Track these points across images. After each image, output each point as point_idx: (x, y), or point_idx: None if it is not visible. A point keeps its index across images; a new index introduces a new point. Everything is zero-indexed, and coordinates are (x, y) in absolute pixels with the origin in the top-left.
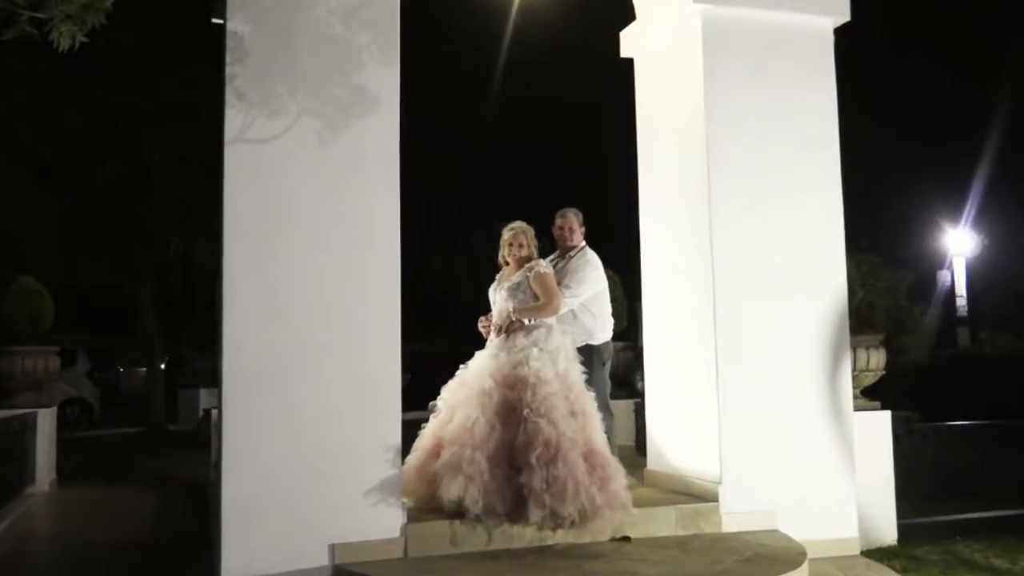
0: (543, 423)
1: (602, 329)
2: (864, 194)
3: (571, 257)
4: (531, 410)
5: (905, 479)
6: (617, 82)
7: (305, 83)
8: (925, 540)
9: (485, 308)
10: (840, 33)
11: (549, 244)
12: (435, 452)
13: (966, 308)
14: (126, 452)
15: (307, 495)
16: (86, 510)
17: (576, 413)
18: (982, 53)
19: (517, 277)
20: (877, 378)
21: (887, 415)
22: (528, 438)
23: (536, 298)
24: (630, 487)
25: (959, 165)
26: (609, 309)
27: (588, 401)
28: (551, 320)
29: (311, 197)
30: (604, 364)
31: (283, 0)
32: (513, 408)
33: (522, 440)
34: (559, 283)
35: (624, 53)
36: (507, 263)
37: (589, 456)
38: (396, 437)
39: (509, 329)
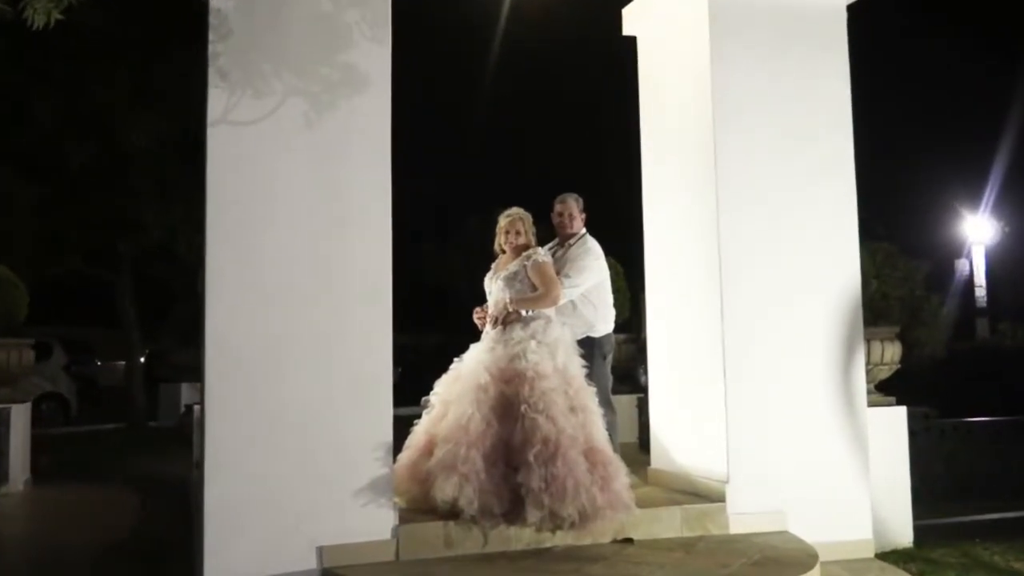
0: (541, 419)
1: (603, 320)
2: (879, 180)
3: (571, 245)
4: (529, 406)
5: (921, 478)
6: (620, 62)
7: (292, 62)
8: (942, 542)
9: (481, 299)
10: (854, 11)
11: (548, 231)
12: (428, 450)
13: (985, 298)
14: (104, 450)
15: (294, 495)
16: (62, 511)
17: (576, 409)
18: (1002, 30)
19: (514, 266)
20: (892, 372)
21: (902, 411)
22: (526, 435)
23: (534, 288)
24: (633, 486)
25: (978, 148)
26: (611, 300)
27: (589, 396)
28: (550, 311)
29: (298, 181)
30: (605, 357)
31: None
32: (510, 404)
33: (519, 437)
34: (558, 272)
35: (627, 31)
36: (504, 251)
37: (590, 454)
38: (387, 434)
39: (506, 321)
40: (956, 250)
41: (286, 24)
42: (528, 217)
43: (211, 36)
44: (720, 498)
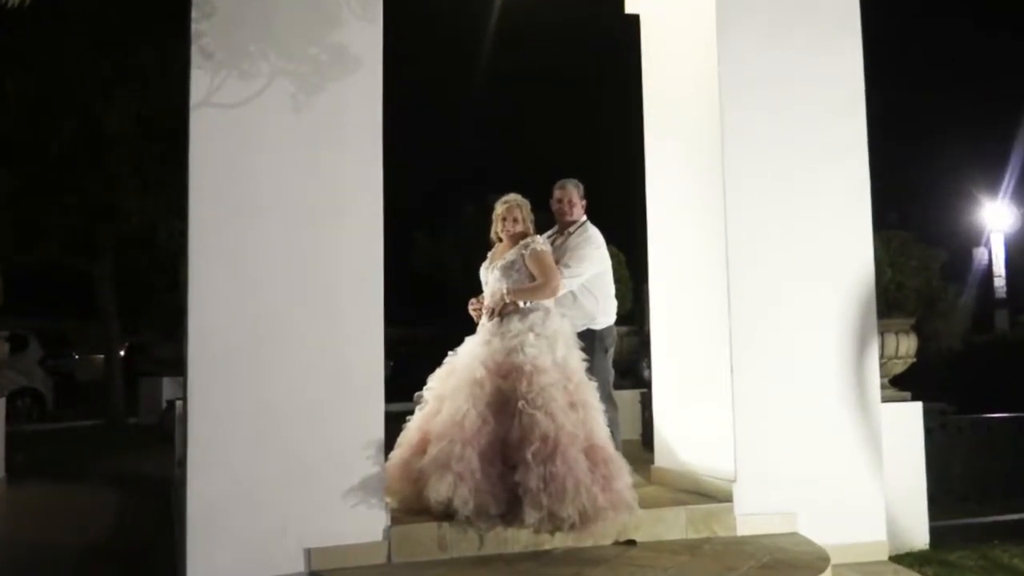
0: (540, 416)
1: (604, 312)
2: (893, 165)
3: (571, 233)
4: (527, 401)
5: (938, 477)
6: (622, 42)
7: (279, 41)
8: (959, 544)
9: (476, 289)
10: None
11: (546, 219)
12: (421, 448)
13: (1005, 289)
14: (82, 447)
15: (281, 495)
16: (38, 511)
17: (576, 405)
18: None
19: (511, 255)
20: (907, 366)
21: (918, 406)
22: (523, 432)
23: (532, 278)
24: (636, 486)
25: (998, 132)
26: (612, 290)
27: (589, 391)
28: (549, 302)
29: (285, 166)
30: (607, 351)
31: None
32: (507, 399)
33: (517, 434)
34: (557, 261)
35: (629, 8)
36: (500, 240)
37: (591, 452)
38: (379, 431)
39: (502, 312)
40: (974, 238)
41: (273, 2)
42: (526, 204)
43: (194, 14)
44: (727, 498)
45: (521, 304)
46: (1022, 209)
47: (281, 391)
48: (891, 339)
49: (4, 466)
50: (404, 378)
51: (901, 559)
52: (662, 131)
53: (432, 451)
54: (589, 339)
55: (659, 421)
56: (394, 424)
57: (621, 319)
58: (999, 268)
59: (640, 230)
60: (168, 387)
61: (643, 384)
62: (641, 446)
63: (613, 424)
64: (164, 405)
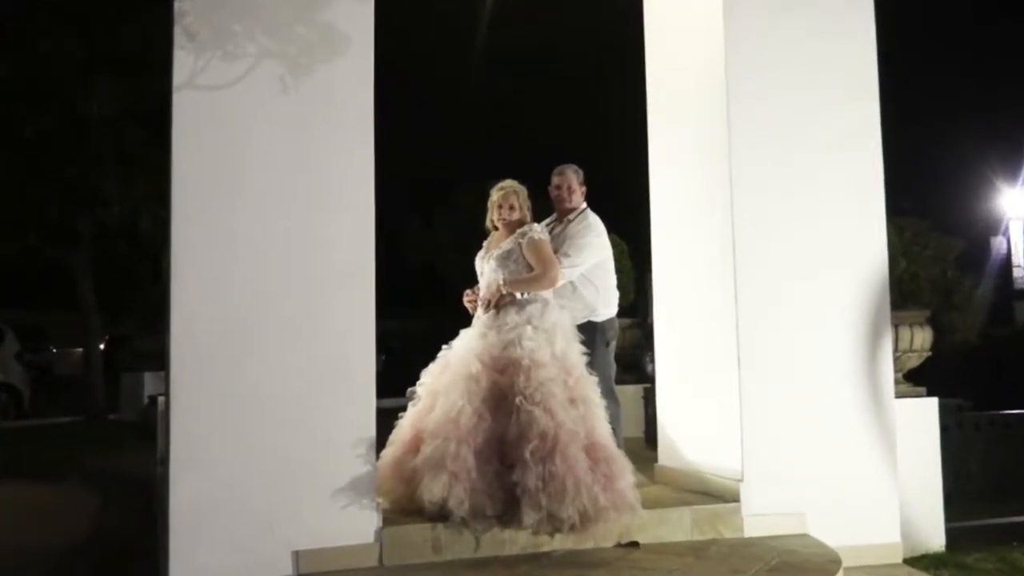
0: (538, 412)
1: (605, 304)
2: (907, 149)
3: (570, 221)
4: (525, 397)
5: (954, 476)
6: (624, 22)
7: (265, 21)
8: (977, 546)
9: (472, 280)
10: None
11: (545, 206)
12: (414, 446)
13: None
14: (60, 445)
15: (267, 495)
16: (15, 511)
17: (576, 400)
18: None
19: (508, 244)
20: (922, 360)
21: (934, 402)
22: (521, 429)
23: (530, 268)
24: (638, 485)
25: (1018, 115)
26: (614, 281)
27: (590, 386)
28: (547, 294)
29: (272, 152)
30: (608, 344)
31: None
32: (504, 395)
33: (514, 432)
34: (556, 251)
35: None
36: (496, 228)
37: (591, 450)
38: (370, 428)
39: (499, 304)
40: (993, 226)
41: None
42: (523, 190)
43: None
44: (734, 498)
45: (518, 295)
46: None
47: (268, 387)
48: (905, 332)
49: None
50: (396, 373)
51: (916, 561)
52: (666, 116)
53: (426, 449)
54: (590, 332)
55: (663, 417)
56: (386, 421)
57: (623, 311)
58: (1018, 258)
59: (643, 218)
60: (150, 382)
61: (646, 379)
62: (644, 444)
63: (615, 421)
64: (146, 401)
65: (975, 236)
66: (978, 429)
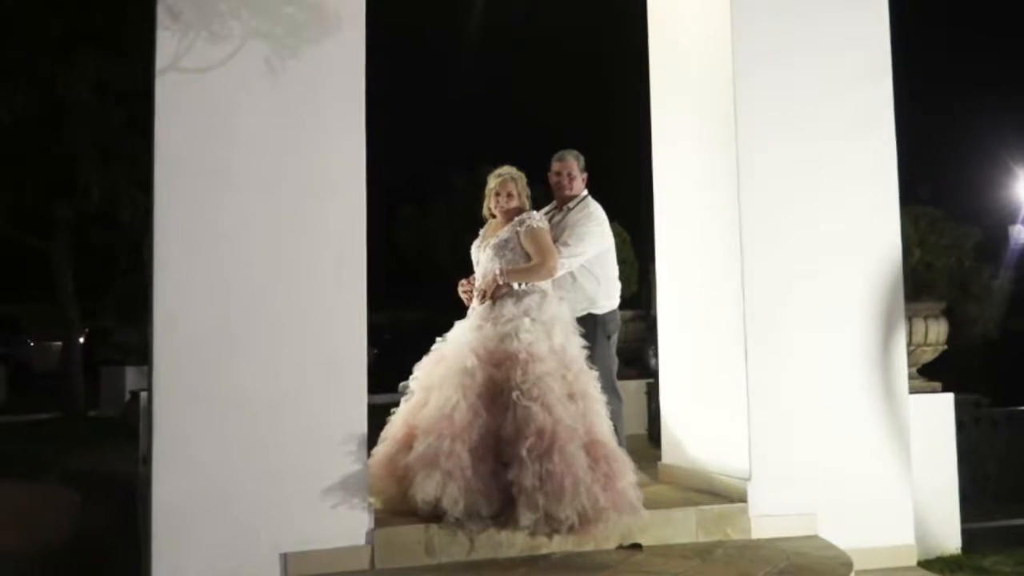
0: (536, 408)
1: (607, 295)
2: (922, 136)
3: (570, 209)
4: (522, 392)
5: (971, 475)
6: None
7: (252, 0)
8: (995, 548)
9: (467, 270)
10: None
11: (544, 194)
12: (407, 443)
13: None
14: (38, 443)
15: (254, 495)
16: None
17: (575, 396)
18: None
19: (505, 233)
20: (937, 354)
21: (949, 398)
22: (518, 426)
23: (528, 258)
24: (641, 485)
25: None
26: (616, 271)
27: (590, 381)
28: (546, 285)
29: (259, 136)
30: (610, 337)
31: None
32: (500, 390)
33: (511, 428)
34: (556, 240)
35: None
36: (493, 216)
37: (591, 448)
38: (361, 425)
39: (495, 295)
40: (1011, 214)
41: None
42: (521, 177)
43: None
44: (741, 498)
45: (516, 286)
46: None
47: (255, 381)
48: (920, 325)
49: None
50: (388, 367)
51: (931, 564)
52: (670, 101)
53: (419, 447)
54: (590, 324)
55: (667, 414)
56: (378, 417)
57: (625, 303)
58: None
59: (646, 206)
60: (132, 377)
61: (649, 373)
62: (647, 441)
63: (616, 417)
64: (127, 397)
65: (993, 225)
66: (996, 426)
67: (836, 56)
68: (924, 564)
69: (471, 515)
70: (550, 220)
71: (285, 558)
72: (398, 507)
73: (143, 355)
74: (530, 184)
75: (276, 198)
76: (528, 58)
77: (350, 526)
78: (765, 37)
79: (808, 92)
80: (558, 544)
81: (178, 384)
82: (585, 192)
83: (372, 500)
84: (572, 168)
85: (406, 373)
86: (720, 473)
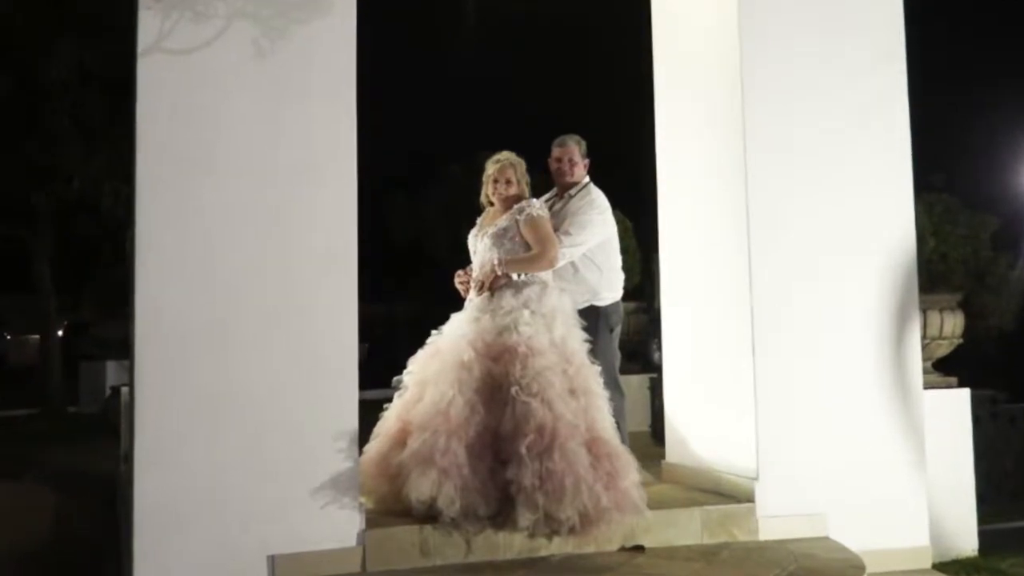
0: (535, 404)
1: (610, 286)
2: (937, 120)
3: (571, 196)
4: (520, 387)
5: (988, 473)
6: None
7: None
8: (1013, 550)
9: (464, 260)
10: None
11: (544, 180)
12: (400, 440)
13: None
14: (13, 441)
15: (241, 494)
16: None
17: (577, 391)
18: None
19: (504, 221)
20: (953, 348)
21: (965, 393)
22: (517, 422)
23: (527, 247)
24: (644, 484)
25: None
26: (619, 261)
27: (592, 376)
28: (546, 275)
29: (246, 121)
30: (612, 330)
31: None
32: (498, 385)
33: (509, 425)
34: (556, 229)
35: None
36: (491, 204)
37: (593, 445)
38: (352, 421)
39: (493, 286)
40: None
41: None
42: (520, 163)
43: None
44: (748, 498)
45: (515, 277)
46: None
47: (241, 376)
48: (934, 317)
49: None
50: (381, 361)
51: (946, 567)
52: (675, 84)
53: (413, 444)
54: (592, 317)
55: (671, 410)
56: (370, 413)
57: (628, 294)
58: None
59: (650, 194)
60: (113, 372)
61: (653, 368)
62: (650, 439)
63: (619, 414)
64: (108, 392)
65: (1011, 213)
66: (1014, 422)
67: (847, 37)
68: (939, 566)
69: (468, 515)
70: (550, 208)
71: (273, 560)
72: (391, 507)
73: (124, 349)
74: (530, 170)
75: (264, 185)
76: (527, 39)
77: (341, 527)
78: (773, 21)
79: (818, 77)
80: (558, 546)
81: (161, 379)
82: (587, 179)
83: (364, 500)
84: (573, 153)
85: (399, 368)
86: (726, 472)
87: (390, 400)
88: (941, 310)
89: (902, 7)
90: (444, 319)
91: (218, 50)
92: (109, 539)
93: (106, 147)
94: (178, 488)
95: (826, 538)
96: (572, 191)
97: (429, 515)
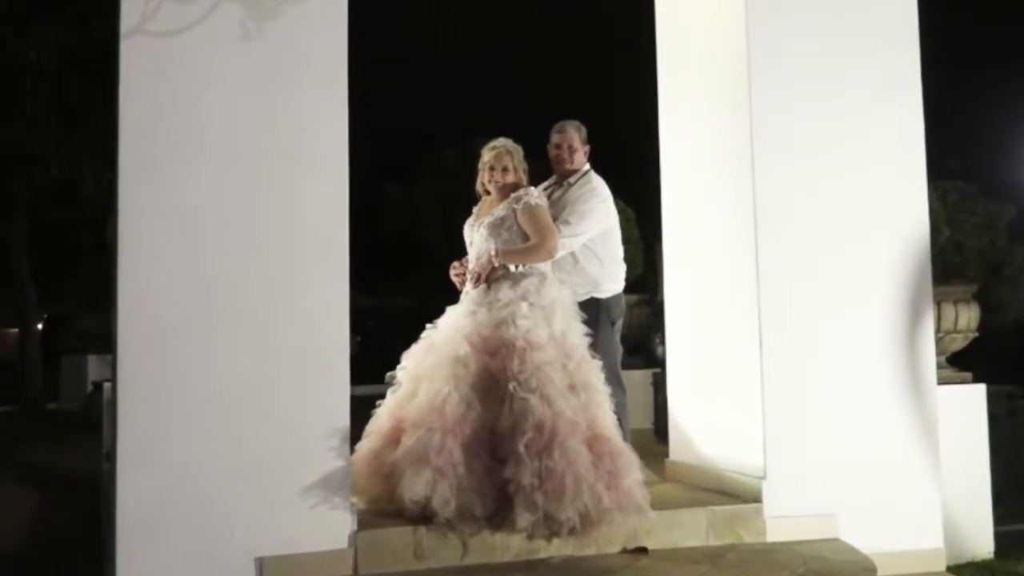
0: (534, 400)
1: (611, 278)
2: (952, 105)
3: (571, 185)
4: (519, 383)
5: (1005, 472)
6: None
7: None
8: None
9: (459, 251)
10: None
11: (543, 168)
12: (394, 437)
13: None
14: None
15: (227, 495)
16: None
17: (577, 387)
18: None
19: (501, 210)
20: (968, 341)
21: (981, 389)
22: (515, 420)
23: (525, 237)
24: (647, 483)
25: None
26: (620, 252)
27: (593, 371)
28: (545, 266)
29: (233, 106)
30: (614, 323)
31: None
32: (495, 380)
33: (507, 422)
34: (556, 218)
35: None
36: (488, 192)
37: (594, 443)
38: (343, 418)
39: (490, 278)
40: None
41: None
42: (518, 150)
43: None
44: (755, 498)
45: (512, 268)
46: None
47: (228, 372)
48: (949, 310)
49: None
50: (374, 356)
51: (961, 569)
52: (679, 68)
53: (407, 441)
54: (593, 309)
55: (675, 407)
56: (362, 410)
57: (630, 286)
58: None
59: (653, 182)
60: (94, 366)
61: (656, 363)
62: (654, 436)
63: (621, 410)
64: (90, 388)
65: None
66: None
67: (857, 22)
68: (954, 569)
69: (463, 516)
70: (549, 196)
71: (261, 562)
72: (384, 507)
73: (107, 343)
74: (528, 158)
75: (252, 173)
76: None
77: (331, 528)
78: (781, 4)
79: (827, 60)
80: (557, 547)
81: (145, 375)
82: (587, 166)
83: (355, 500)
84: (573, 140)
85: (393, 363)
86: (733, 471)
87: (383, 396)
88: (956, 302)
89: None
90: (439, 312)
91: (204, 31)
92: (91, 540)
93: (87, 132)
94: (162, 488)
95: (836, 540)
96: (572, 179)
97: (423, 516)
